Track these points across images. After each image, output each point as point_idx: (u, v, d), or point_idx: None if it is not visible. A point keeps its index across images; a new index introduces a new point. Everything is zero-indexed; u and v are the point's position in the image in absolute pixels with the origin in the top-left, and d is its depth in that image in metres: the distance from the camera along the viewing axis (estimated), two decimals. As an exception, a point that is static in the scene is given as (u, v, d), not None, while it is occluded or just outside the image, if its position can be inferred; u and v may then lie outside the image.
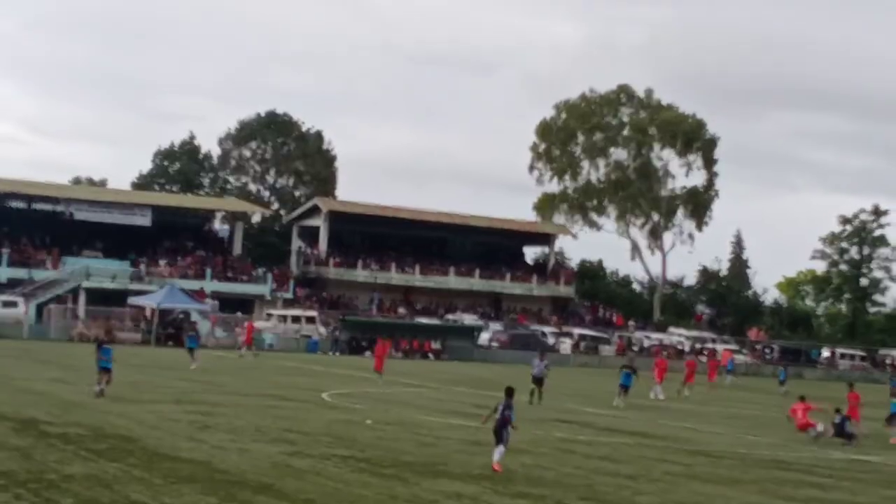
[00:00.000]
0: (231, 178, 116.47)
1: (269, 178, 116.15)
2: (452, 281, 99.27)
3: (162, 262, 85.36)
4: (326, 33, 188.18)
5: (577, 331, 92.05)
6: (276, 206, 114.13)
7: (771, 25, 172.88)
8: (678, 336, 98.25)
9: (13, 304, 72.16)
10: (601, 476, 24.44)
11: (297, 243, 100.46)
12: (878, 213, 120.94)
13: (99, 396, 32.74)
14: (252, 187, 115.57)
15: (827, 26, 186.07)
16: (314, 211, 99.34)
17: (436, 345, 79.92)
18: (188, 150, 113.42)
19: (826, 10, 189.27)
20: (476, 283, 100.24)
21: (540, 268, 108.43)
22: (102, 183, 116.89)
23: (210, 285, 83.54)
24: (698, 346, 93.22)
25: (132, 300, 76.02)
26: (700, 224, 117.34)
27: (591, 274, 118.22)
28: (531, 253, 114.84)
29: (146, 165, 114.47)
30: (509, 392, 24.21)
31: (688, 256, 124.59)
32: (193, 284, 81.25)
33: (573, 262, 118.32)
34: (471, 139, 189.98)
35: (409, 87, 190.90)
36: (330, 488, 20.28)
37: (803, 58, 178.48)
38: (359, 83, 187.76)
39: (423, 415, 35.19)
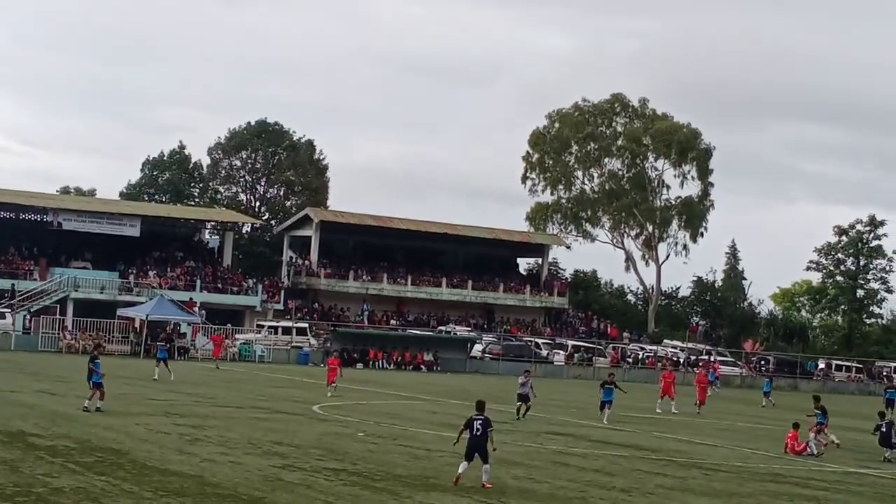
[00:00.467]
0: (221, 188, 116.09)
1: (260, 188, 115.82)
2: (445, 292, 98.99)
3: (151, 273, 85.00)
4: (317, 43, 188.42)
5: (570, 342, 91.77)
6: (266, 216, 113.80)
7: (766, 36, 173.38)
8: (672, 348, 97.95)
9: (0, 316, 71.75)
10: (595, 489, 24.24)
11: (287, 254, 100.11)
12: (874, 223, 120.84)
13: (86, 411, 32.42)
14: (242, 197, 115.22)
15: (823, 37, 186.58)
16: (305, 221, 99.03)
17: (428, 356, 79.62)
18: (178, 160, 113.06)
19: (822, 20, 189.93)
20: (469, 294, 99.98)
21: (533, 279, 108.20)
22: (91, 193, 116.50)
23: (200, 296, 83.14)
24: (693, 357, 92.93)
25: (121, 311, 75.67)
26: (695, 235, 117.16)
27: (584, 285, 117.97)
28: (524, 264, 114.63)
29: (135, 175, 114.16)
30: (480, 406, 23.81)
31: (682, 267, 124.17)
32: (183, 295, 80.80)
33: (567, 272, 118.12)
34: (464, 149, 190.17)
35: (402, 96, 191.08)
36: (321, 501, 20.16)
37: (799, 69, 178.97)
38: (351, 93, 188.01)
39: (416, 427, 34.95)
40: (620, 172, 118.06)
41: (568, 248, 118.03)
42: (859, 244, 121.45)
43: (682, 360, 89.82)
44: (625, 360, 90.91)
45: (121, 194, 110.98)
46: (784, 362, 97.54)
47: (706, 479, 27.40)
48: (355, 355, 77.50)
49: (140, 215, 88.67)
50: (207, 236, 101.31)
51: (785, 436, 36.57)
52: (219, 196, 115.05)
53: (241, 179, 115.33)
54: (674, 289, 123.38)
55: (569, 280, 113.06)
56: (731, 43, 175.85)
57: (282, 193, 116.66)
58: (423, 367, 78.33)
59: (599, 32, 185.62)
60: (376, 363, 77.36)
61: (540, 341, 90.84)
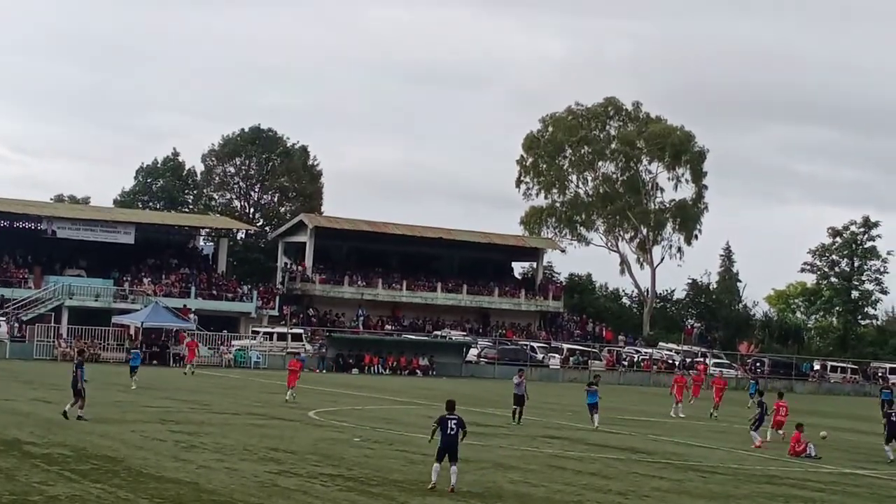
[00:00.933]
0: (215, 195, 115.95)
1: (254, 195, 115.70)
2: (440, 297, 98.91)
3: (146, 280, 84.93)
4: (311, 48, 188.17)
5: (566, 346, 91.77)
6: (260, 222, 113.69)
7: (758, 38, 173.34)
8: (668, 351, 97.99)
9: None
10: (591, 492, 24.23)
11: (282, 260, 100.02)
12: (868, 224, 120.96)
13: (65, 416, 32.25)
14: (236, 204, 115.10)
15: (816, 38, 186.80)
16: (300, 227, 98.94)
17: (424, 361, 79.63)
18: (172, 167, 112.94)
19: (815, 22, 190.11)
20: (464, 298, 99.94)
21: (528, 282, 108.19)
22: (85, 200, 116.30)
23: (194, 303, 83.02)
24: (688, 359, 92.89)
25: (116, 319, 75.60)
26: (689, 238, 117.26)
27: (579, 288, 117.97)
28: (519, 268, 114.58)
29: (129, 183, 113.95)
30: (451, 406, 23.84)
31: (677, 270, 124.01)
32: (178, 302, 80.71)
33: (562, 276, 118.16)
34: (457, 154, 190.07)
35: (396, 101, 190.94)
36: (317, 508, 20.05)
37: (792, 70, 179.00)
38: (344, 98, 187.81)
39: (411, 432, 34.86)
40: (614, 176, 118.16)
41: (562, 251, 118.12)
42: (853, 245, 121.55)
43: (677, 363, 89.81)
44: (620, 363, 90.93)
45: (115, 202, 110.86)
46: (779, 364, 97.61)
47: (703, 482, 27.40)
48: (351, 360, 77.53)
49: (134, 223, 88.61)
50: (202, 243, 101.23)
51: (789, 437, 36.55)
52: (213, 203, 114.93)
53: (235, 186, 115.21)
54: (668, 291, 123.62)
55: (564, 284, 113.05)
56: (723, 45, 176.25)
57: (276, 199, 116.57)
58: (418, 371, 78.33)
59: (592, 36, 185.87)
60: (372, 368, 77.39)
61: (535, 345, 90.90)
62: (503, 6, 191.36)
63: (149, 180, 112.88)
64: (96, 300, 79.44)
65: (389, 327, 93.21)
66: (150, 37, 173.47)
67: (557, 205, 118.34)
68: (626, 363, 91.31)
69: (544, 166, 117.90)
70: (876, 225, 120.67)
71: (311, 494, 21.42)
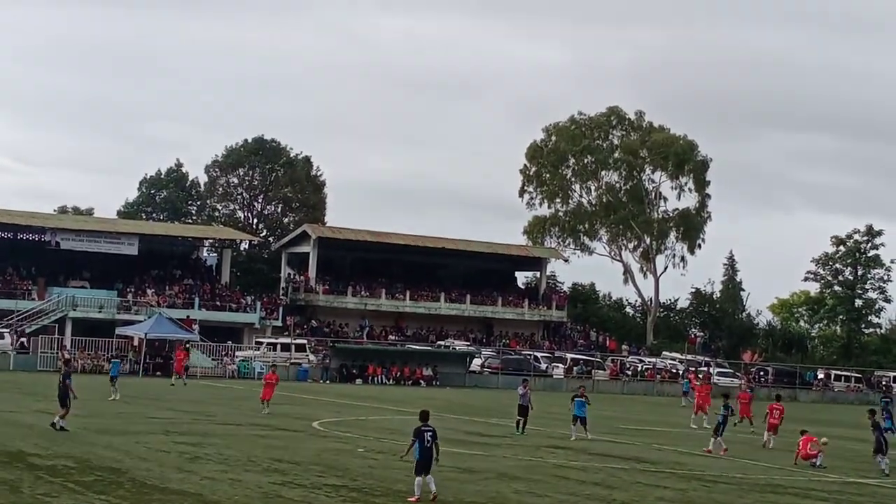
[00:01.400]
0: (219, 206, 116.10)
1: (257, 205, 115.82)
2: (443, 306, 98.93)
3: (149, 291, 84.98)
4: (314, 59, 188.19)
5: (569, 355, 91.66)
6: (264, 233, 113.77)
7: (762, 46, 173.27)
8: (671, 360, 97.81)
9: (-1, 336, 71.69)
10: (595, 502, 24.24)
11: (285, 270, 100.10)
12: (871, 233, 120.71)
13: (53, 427, 32.14)
14: (240, 214, 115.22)
15: (819, 47, 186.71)
16: (303, 237, 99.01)
17: (427, 371, 79.59)
18: (175, 178, 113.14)
19: (817, 30, 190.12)
20: (467, 308, 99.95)
21: (532, 292, 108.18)
22: (89, 212, 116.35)
23: (198, 314, 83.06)
24: (692, 369, 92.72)
25: (120, 330, 75.61)
26: (692, 247, 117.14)
27: (583, 298, 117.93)
28: (522, 277, 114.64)
29: (133, 194, 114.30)
30: (425, 416, 23.75)
31: (680, 279, 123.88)
32: (181, 313, 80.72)
33: (565, 286, 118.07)
34: (461, 164, 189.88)
35: (398, 111, 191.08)
36: (321, 519, 20.02)
37: (794, 79, 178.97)
38: (348, 108, 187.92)
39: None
40: (618, 185, 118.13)
41: (566, 261, 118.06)
42: (857, 254, 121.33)
43: (680, 372, 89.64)
44: (624, 372, 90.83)
45: (118, 213, 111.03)
46: (783, 373, 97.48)
47: (706, 491, 27.36)
48: (354, 371, 77.51)
49: (138, 234, 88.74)
50: (205, 254, 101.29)
51: (795, 444, 36.45)
52: (216, 213, 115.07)
53: (239, 196, 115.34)
54: (672, 301, 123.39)
55: (567, 293, 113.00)
56: (726, 54, 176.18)
57: (279, 210, 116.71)
58: (422, 381, 78.29)
59: (594, 45, 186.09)
60: (375, 378, 77.32)
61: (539, 355, 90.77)
62: (505, 16, 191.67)
63: (152, 191, 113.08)
64: (100, 312, 79.50)
65: (393, 337, 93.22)
66: (154, 47, 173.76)
67: (561, 214, 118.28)
68: (629, 373, 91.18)
69: (547, 176, 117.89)
70: (879, 233, 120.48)
71: (315, 505, 21.37)
